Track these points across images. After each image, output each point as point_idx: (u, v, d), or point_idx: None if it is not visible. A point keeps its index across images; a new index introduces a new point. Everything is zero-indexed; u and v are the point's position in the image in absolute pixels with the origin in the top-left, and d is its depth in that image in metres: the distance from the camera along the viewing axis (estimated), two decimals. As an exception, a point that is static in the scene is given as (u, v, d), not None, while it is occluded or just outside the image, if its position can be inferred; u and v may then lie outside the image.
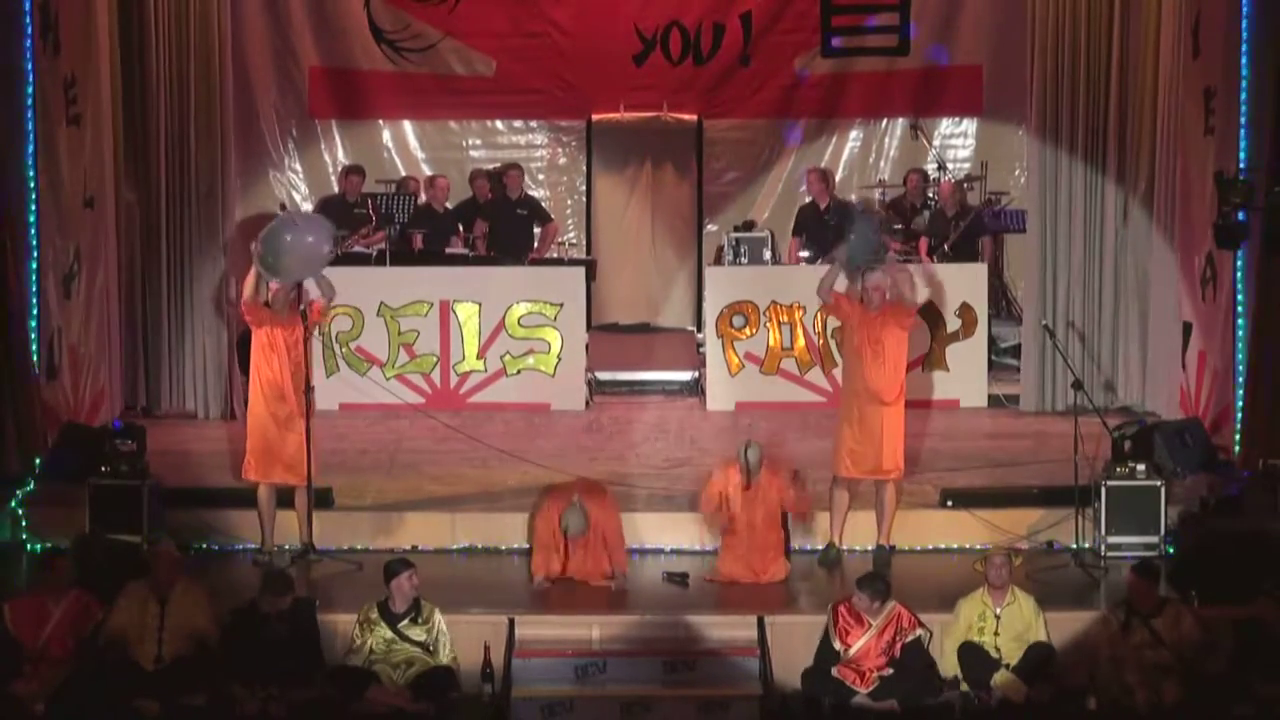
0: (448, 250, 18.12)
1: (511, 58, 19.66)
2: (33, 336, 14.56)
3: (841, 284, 13.58)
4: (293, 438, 13.10)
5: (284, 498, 13.31)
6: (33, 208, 14.58)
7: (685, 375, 18.03)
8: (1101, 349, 16.83)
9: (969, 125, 19.94)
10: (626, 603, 12.64)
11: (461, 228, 18.48)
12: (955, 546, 13.56)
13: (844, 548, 13.37)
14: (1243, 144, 14.33)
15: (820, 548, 13.44)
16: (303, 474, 13.13)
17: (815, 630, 11.83)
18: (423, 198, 18.64)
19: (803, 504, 13.31)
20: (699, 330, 18.43)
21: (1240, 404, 14.47)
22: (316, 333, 13.71)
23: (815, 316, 16.78)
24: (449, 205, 18.84)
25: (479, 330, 17.03)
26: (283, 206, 18.47)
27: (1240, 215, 13.77)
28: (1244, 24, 14.36)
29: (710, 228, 19.86)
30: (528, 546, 13.46)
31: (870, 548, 13.36)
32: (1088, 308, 16.84)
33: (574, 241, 19.49)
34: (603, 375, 17.81)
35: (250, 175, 18.98)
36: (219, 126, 16.67)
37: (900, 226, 18.62)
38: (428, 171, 19.49)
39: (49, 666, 11.49)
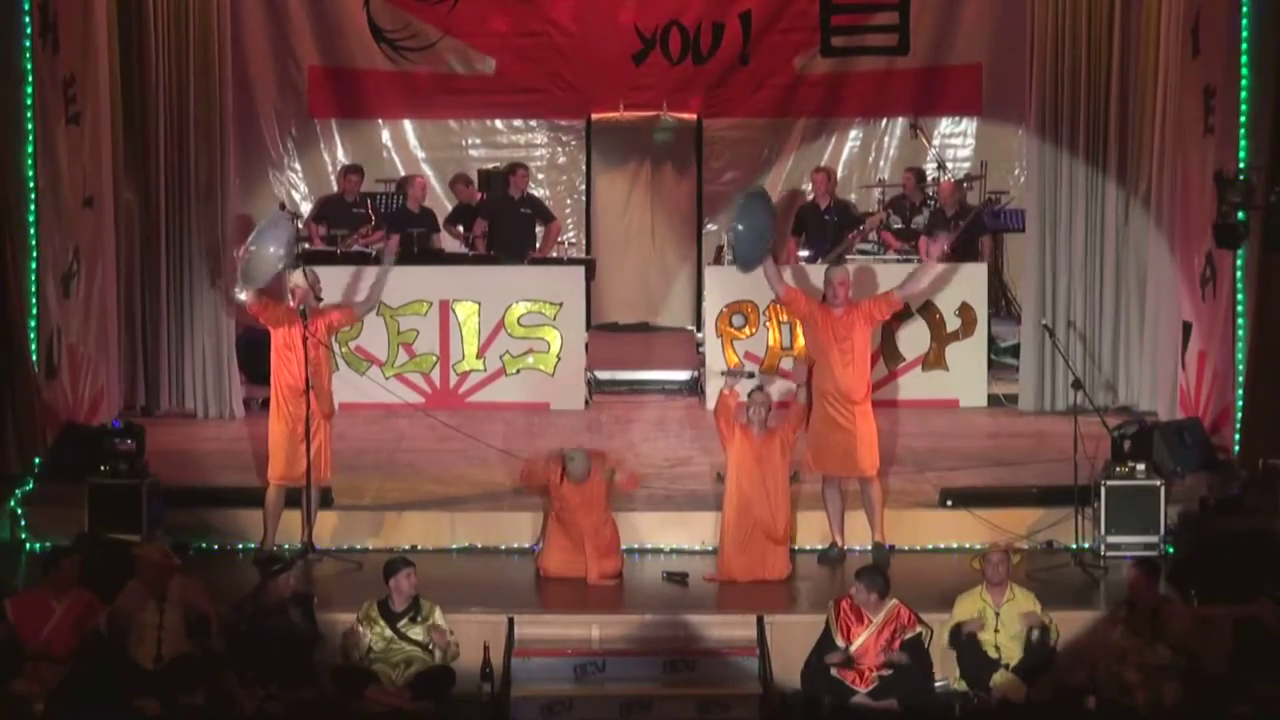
0: (445, 250, 18.09)
1: (511, 57, 19.68)
2: (32, 336, 14.55)
3: (790, 278, 13.55)
4: (315, 438, 13.11)
5: (288, 497, 13.30)
6: (32, 207, 14.56)
7: (685, 375, 18.02)
8: (1101, 348, 16.82)
9: (969, 125, 19.96)
10: (626, 602, 12.65)
11: (461, 228, 18.47)
12: (955, 546, 13.55)
13: (846, 547, 13.36)
14: (1242, 143, 14.32)
15: (821, 547, 13.44)
16: (322, 474, 13.21)
17: (815, 629, 11.82)
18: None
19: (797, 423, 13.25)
20: (698, 329, 18.42)
21: (1240, 404, 14.47)
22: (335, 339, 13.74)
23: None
24: (447, 205, 18.82)
25: (478, 329, 17.02)
26: (281, 205, 18.53)
27: (1240, 214, 13.77)
28: (1244, 23, 14.35)
29: (710, 227, 19.87)
30: (526, 546, 13.49)
31: (869, 547, 13.36)
32: (1087, 307, 16.83)
33: (573, 241, 19.49)
34: (602, 374, 17.81)
35: (250, 175, 18.99)
36: (218, 126, 16.66)
37: (900, 225, 18.62)
38: (428, 171, 19.50)
39: (49, 665, 11.49)
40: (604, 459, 13.34)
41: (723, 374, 13.30)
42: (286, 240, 13.34)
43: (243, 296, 13.45)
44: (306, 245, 18.14)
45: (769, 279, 13.48)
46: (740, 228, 13.50)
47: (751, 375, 13.36)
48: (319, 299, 13.52)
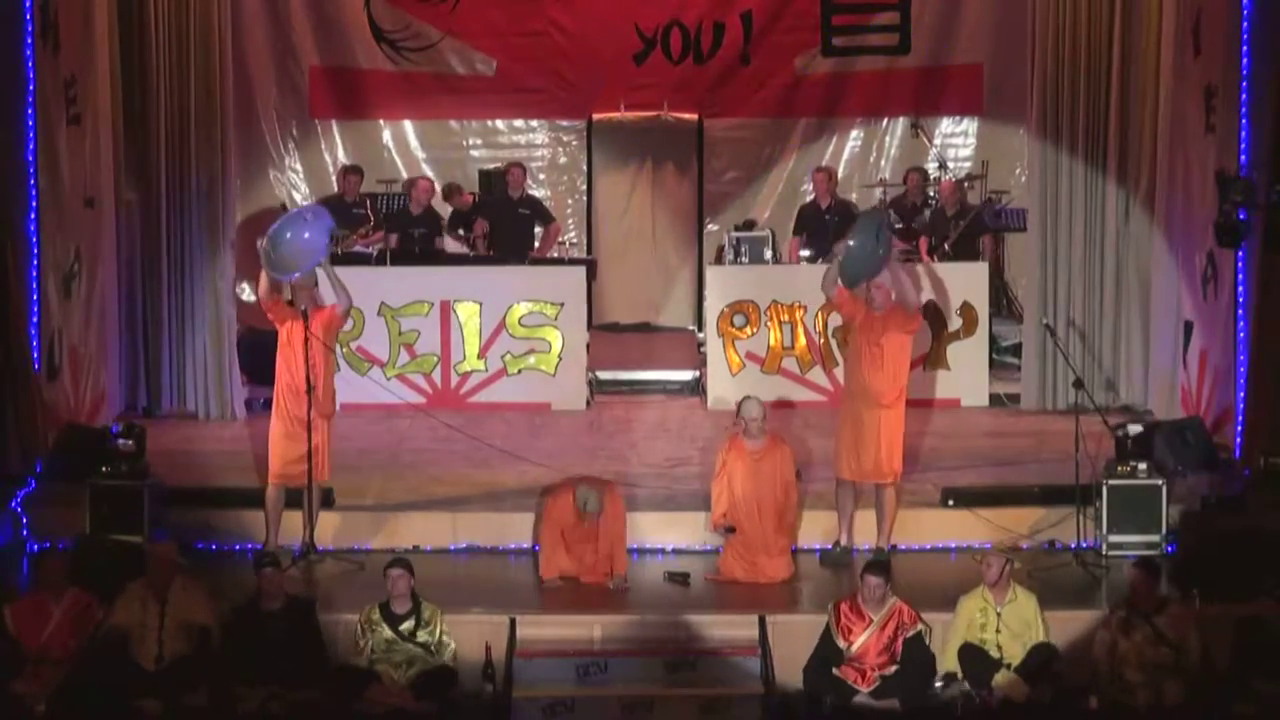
0: (447, 250, 18.09)
1: (512, 57, 19.69)
2: (33, 337, 14.56)
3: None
4: (314, 439, 13.10)
5: (289, 498, 13.30)
6: (33, 208, 14.58)
7: (686, 375, 18.01)
8: (1102, 348, 16.83)
9: (970, 124, 19.96)
10: (627, 602, 12.64)
11: (462, 231, 18.47)
12: (956, 546, 13.54)
13: (850, 547, 13.35)
14: (1243, 142, 14.33)
15: (824, 547, 13.42)
16: (320, 475, 13.20)
17: (817, 629, 11.82)
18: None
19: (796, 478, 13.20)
20: (700, 330, 18.43)
21: (1241, 402, 14.46)
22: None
23: (816, 316, 16.79)
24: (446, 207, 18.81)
25: (480, 330, 17.02)
26: (284, 207, 18.54)
27: (1241, 213, 13.76)
28: (1244, 22, 14.35)
29: (711, 227, 19.87)
30: (528, 546, 13.48)
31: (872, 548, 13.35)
32: (1088, 306, 16.83)
33: (574, 241, 19.49)
34: (603, 375, 17.80)
35: (250, 175, 18.99)
36: (219, 126, 16.65)
37: (901, 225, 18.62)
38: (428, 171, 19.50)
39: (50, 666, 11.49)
40: (612, 489, 13.19)
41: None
42: (329, 232, 13.31)
43: (247, 292, 13.43)
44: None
45: (828, 270, 13.43)
46: (852, 244, 13.42)
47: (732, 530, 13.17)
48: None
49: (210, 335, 16.68)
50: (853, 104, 19.90)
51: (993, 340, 17.65)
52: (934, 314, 16.85)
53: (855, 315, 13.30)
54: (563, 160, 20.09)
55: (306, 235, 13.11)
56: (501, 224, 18.27)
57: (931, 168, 19.54)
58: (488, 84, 19.81)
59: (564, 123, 20.02)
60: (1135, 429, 13.76)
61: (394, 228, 17.84)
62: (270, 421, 13.39)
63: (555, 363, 17.05)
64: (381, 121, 19.97)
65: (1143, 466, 13.46)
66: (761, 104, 19.89)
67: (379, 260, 17.40)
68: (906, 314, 13.21)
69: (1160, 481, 13.42)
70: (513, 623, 12.03)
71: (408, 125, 20.00)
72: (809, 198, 18.68)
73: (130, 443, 13.51)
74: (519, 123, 20.12)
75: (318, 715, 11.40)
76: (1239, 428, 14.49)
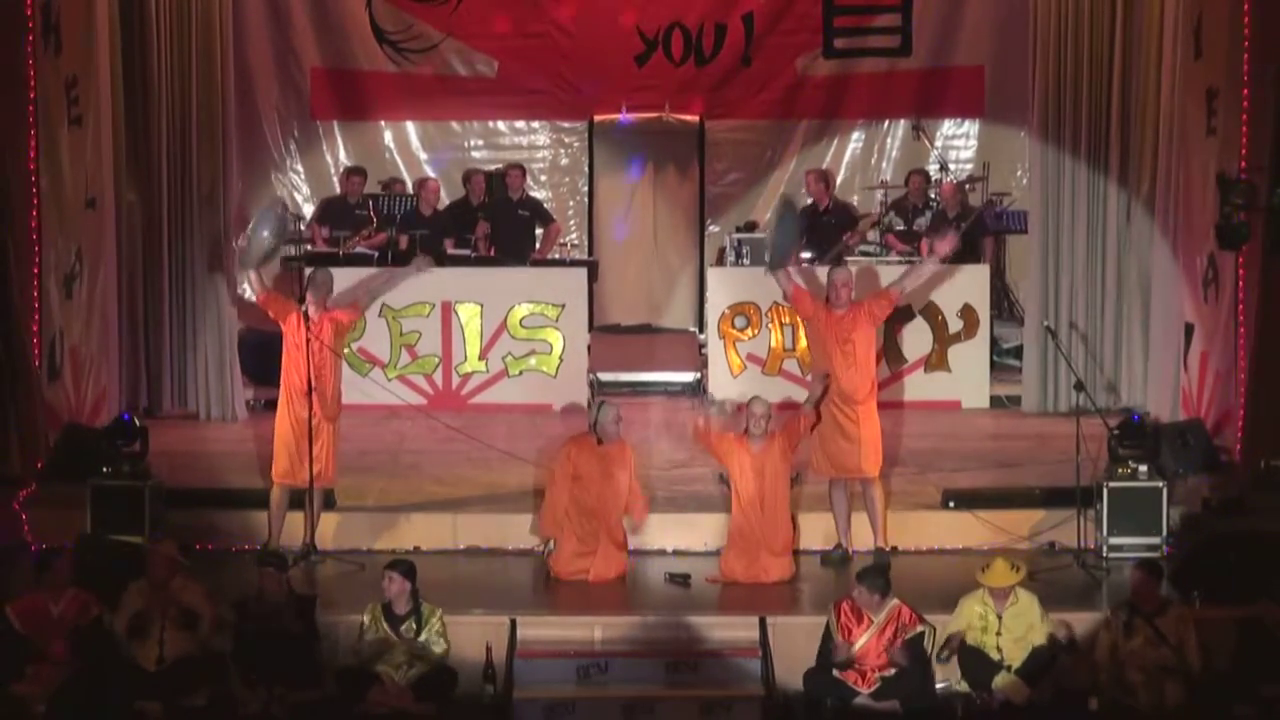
0: (450, 251, 18.11)
1: (513, 58, 19.70)
2: (34, 338, 14.56)
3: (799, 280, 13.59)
4: (319, 440, 13.12)
5: (291, 499, 13.29)
6: (34, 209, 14.58)
7: (687, 376, 18.03)
8: (1103, 350, 16.84)
9: (971, 126, 19.98)
10: (628, 603, 12.65)
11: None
12: (957, 548, 13.55)
13: (851, 549, 13.35)
14: (1245, 145, 14.32)
15: (825, 549, 13.43)
16: (326, 477, 13.21)
17: (817, 631, 11.82)
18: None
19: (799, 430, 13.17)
20: (701, 331, 18.45)
21: (1242, 405, 14.47)
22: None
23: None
24: (442, 206, 18.84)
25: (481, 331, 17.04)
26: (284, 207, 18.53)
27: (1242, 216, 13.76)
28: (1246, 24, 14.35)
29: (712, 229, 19.89)
30: (529, 547, 13.49)
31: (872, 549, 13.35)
32: (1090, 309, 16.84)
33: (575, 242, 19.50)
34: (605, 376, 17.81)
35: (252, 176, 19.00)
36: (220, 127, 16.69)
37: (902, 227, 18.63)
38: (430, 173, 19.51)
39: (50, 667, 11.48)
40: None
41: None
42: (274, 222, 13.32)
43: (249, 292, 13.44)
44: (309, 247, 18.20)
45: (779, 281, 13.46)
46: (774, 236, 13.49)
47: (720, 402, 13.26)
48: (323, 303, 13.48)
49: (211, 336, 16.71)
50: (854, 106, 19.92)
51: (994, 342, 17.66)
52: (934, 315, 16.92)
53: (814, 316, 13.29)
54: (564, 162, 20.11)
55: (263, 234, 13.16)
56: (501, 225, 18.29)
57: (933, 170, 19.56)
58: (489, 85, 19.83)
59: (565, 124, 20.05)
60: (1124, 427, 13.72)
61: (404, 229, 17.85)
62: (275, 422, 13.40)
63: (556, 364, 17.07)
64: (383, 123, 20.00)
65: (1143, 469, 13.46)
66: (763, 106, 19.91)
67: (380, 261, 17.40)
68: (885, 296, 13.21)
69: (1161, 484, 13.41)
70: (513, 624, 12.03)
71: (409, 126, 20.02)
72: (809, 199, 18.69)
73: (135, 444, 13.49)
74: (520, 124, 20.14)
75: (319, 717, 11.40)
76: (1239, 430, 14.49)
